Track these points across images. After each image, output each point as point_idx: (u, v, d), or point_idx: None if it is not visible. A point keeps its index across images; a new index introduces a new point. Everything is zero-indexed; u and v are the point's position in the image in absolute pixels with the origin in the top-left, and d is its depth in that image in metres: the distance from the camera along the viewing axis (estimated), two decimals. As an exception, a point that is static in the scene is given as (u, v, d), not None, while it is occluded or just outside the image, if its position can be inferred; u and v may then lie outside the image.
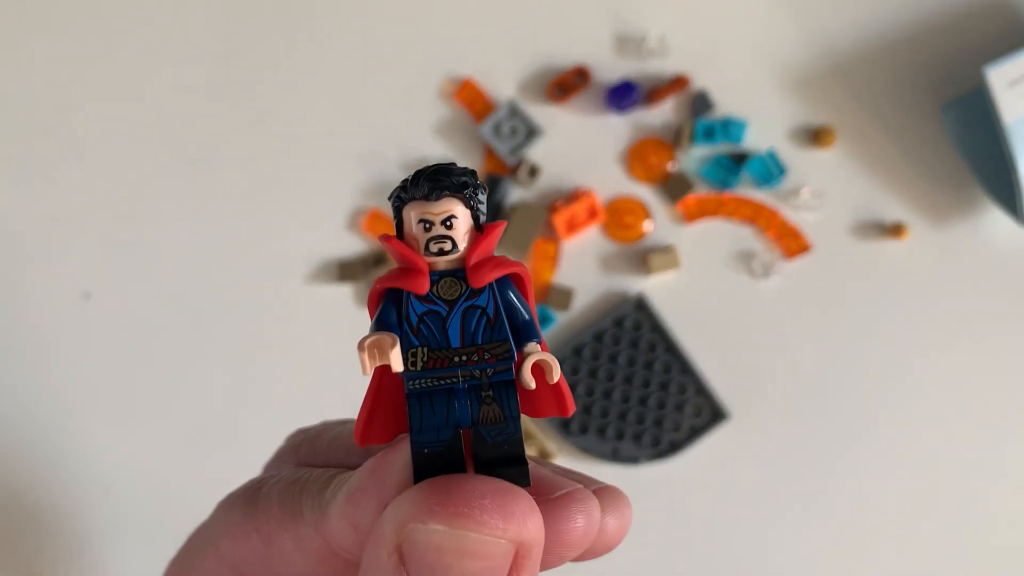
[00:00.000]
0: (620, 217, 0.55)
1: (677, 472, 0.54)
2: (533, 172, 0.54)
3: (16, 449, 0.55)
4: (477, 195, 0.20)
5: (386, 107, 0.56)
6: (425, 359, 0.20)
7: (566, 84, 0.55)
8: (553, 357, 0.20)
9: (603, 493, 0.22)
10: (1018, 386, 0.54)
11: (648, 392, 0.53)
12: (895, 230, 0.54)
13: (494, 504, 0.18)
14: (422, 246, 0.20)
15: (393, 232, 0.21)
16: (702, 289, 0.54)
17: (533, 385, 0.20)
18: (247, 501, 0.24)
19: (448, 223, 0.20)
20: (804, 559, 0.54)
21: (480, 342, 0.20)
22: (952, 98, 0.54)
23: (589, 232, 0.55)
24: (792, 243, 0.54)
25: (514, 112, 0.54)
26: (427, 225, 0.20)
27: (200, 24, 0.57)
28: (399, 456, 0.20)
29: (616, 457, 0.53)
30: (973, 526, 0.54)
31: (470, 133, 0.55)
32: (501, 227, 0.20)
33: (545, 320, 0.54)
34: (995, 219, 0.54)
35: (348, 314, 0.55)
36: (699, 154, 0.55)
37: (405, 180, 0.20)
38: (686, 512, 0.54)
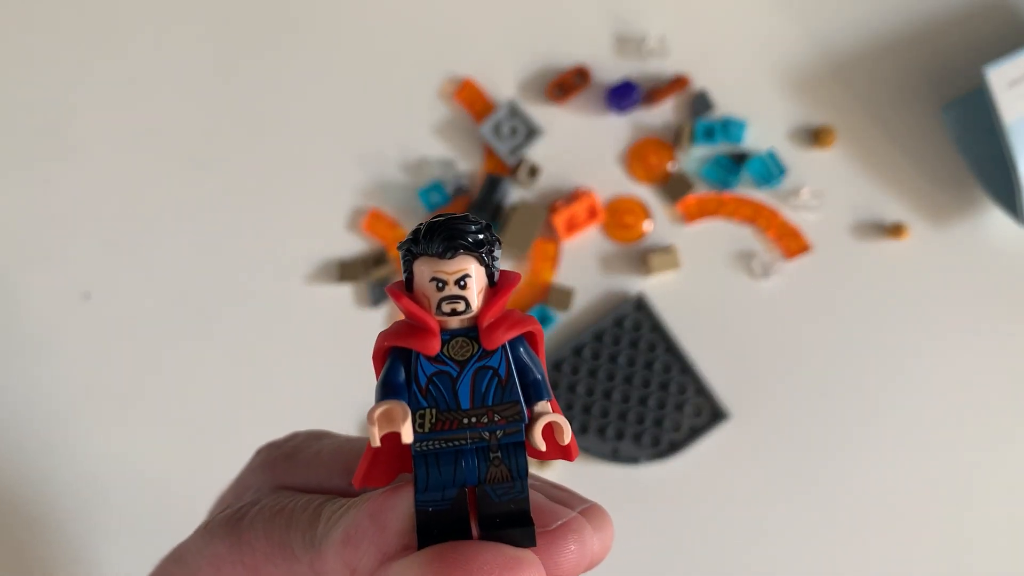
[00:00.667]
0: (620, 217, 0.55)
1: (677, 472, 0.54)
2: (533, 172, 0.54)
3: (16, 449, 0.55)
4: (492, 252, 0.19)
5: (386, 107, 0.56)
6: (433, 421, 0.20)
7: (566, 84, 0.55)
8: (564, 419, 0.19)
9: (588, 513, 0.21)
10: (1018, 386, 0.54)
11: (648, 392, 0.53)
12: (895, 230, 0.54)
13: None
14: (434, 305, 0.19)
15: (400, 278, 0.20)
16: (702, 289, 0.54)
17: (544, 447, 0.19)
18: (229, 531, 0.23)
19: (462, 283, 0.19)
20: (804, 558, 0.54)
21: (491, 403, 0.19)
22: (952, 98, 0.54)
23: (589, 232, 0.55)
24: (792, 243, 0.54)
25: (514, 112, 0.54)
26: (440, 284, 0.19)
27: (201, 25, 0.57)
28: (400, 503, 0.20)
29: (616, 457, 0.53)
30: (973, 525, 0.54)
31: (470, 133, 0.55)
32: (515, 283, 0.20)
33: (545, 320, 0.54)
34: (995, 219, 0.54)
35: (348, 314, 0.55)
36: (699, 154, 0.55)
37: (417, 230, 0.19)
38: (686, 512, 0.54)
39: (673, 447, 0.53)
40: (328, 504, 0.21)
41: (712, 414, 0.53)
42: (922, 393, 0.54)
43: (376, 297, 0.54)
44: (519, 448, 0.20)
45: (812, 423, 0.54)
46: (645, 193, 0.55)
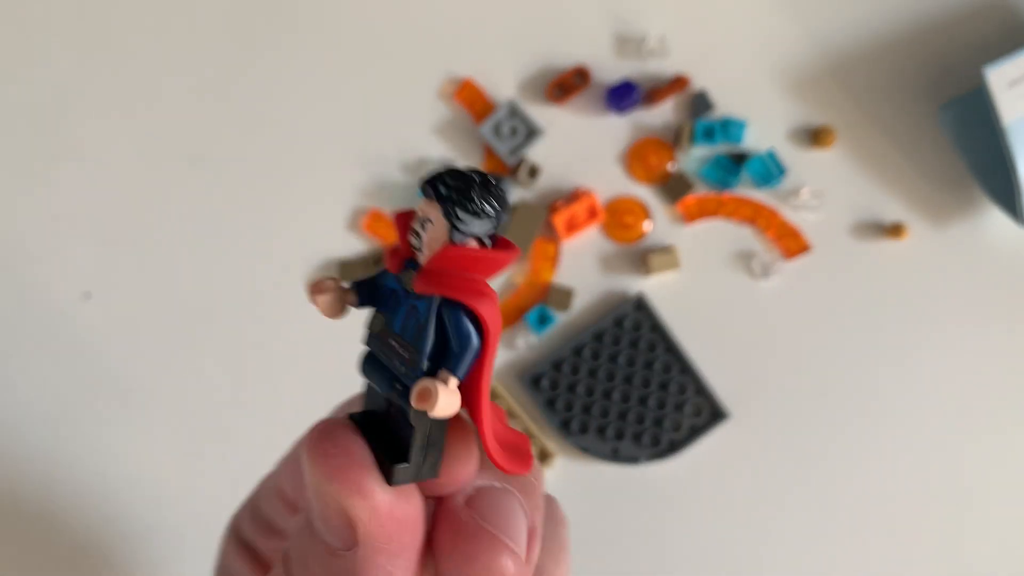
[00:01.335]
0: (620, 217, 0.55)
1: (677, 472, 0.54)
2: (533, 172, 0.54)
3: (16, 449, 0.55)
4: (457, 212, 0.19)
5: (386, 107, 0.56)
6: (379, 328, 0.21)
7: (566, 84, 0.55)
8: (446, 390, 0.19)
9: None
10: (1018, 386, 0.54)
11: (648, 392, 0.54)
12: (894, 230, 0.54)
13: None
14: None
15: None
16: (702, 289, 0.54)
17: (416, 405, 0.19)
18: None
19: (423, 225, 0.20)
20: (804, 558, 0.54)
21: (409, 340, 0.20)
22: (951, 98, 0.54)
23: (589, 232, 0.55)
24: (792, 243, 0.54)
25: (514, 112, 0.54)
26: (415, 218, 0.20)
27: (201, 25, 0.57)
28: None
29: (616, 457, 0.53)
30: (973, 525, 0.54)
31: (470, 133, 0.55)
32: (480, 255, 0.20)
33: (545, 320, 0.54)
34: (994, 219, 0.54)
35: (349, 314, 0.55)
36: (699, 154, 0.55)
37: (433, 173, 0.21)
38: (686, 511, 0.54)
39: (673, 447, 0.54)
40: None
41: (712, 414, 0.54)
42: (921, 393, 0.54)
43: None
44: (406, 392, 0.20)
45: (811, 423, 0.54)
46: (645, 193, 0.55)
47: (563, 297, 0.54)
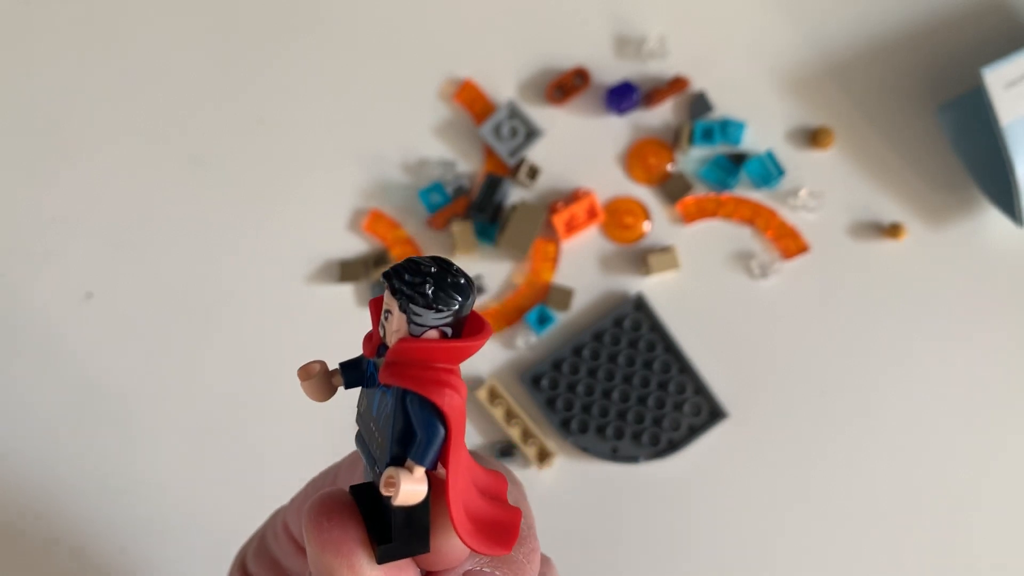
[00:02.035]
0: (619, 217, 0.55)
1: (676, 471, 0.54)
2: (533, 173, 0.54)
3: (17, 449, 0.55)
4: (411, 307, 0.19)
5: (386, 108, 0.56)
6: (363, 408, 0.22)
7: (566, 85, 0.55)
8: (410, 478, 0.19)
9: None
10: (1016, 386, 0.54)
11: (647, 391, 0.54)
12: (893, 230, 0.54)
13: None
14: None
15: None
16: (701, 289, 0.55)
17: (383, 491, 0.19)
18: None
19: (386, 316, 0.20)
20: (803, 557, 0.54)
21: (381, 425, 0.21)
22: (949, 99, 0.54)
23: (589, 232, 0.55)
24: (790, 243, 0.54)
25: (514, 113, 0.55)
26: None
27: (201, 25, 0.57)
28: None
29: (616, 456, 0.54)
30: (970, 524, 0.54)
31: (470, 134, 0.56)
32: (436, 346, 0.20)
33: (545, 320, 0.54)
34: (992, 219, 0.55)
35: (349, 314, 0.55)
36: (698, 155, 0.55)
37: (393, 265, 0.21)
38: (685, 510, 0.54)
39: (672, 446, 0.54)
40: None
41: (711, 413, 0.54)
42: (919, 392, 0.54)
43: (377, 297, 0.55)
44: (376, 469, 0.21)
45: (810, 422, 0.54)
46: (644, 194, 0.55)
47: (563, 297, 0.54)
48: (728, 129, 0.54)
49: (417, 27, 0.56)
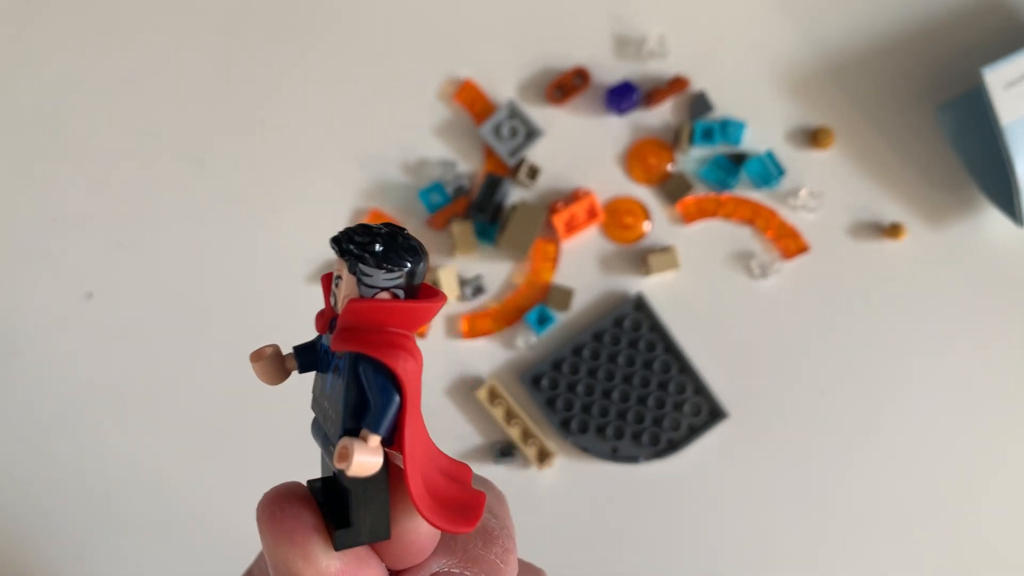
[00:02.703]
0: (619, 218, 0.55)
1: (676, 470, 0.54)
2: (533, 173, 0.54)
3: (17, 448, 0.55)
4: (360, 266, 0.19)
5: (386, 108, 0.56)
6: (318, 391, 0.21)
7: (566, 85, 0.55)
8: (363, 448, 0.18)
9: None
10: (1016, 385, 0.54)
11: (647, 391, 0.54)
12: (893, 230, 0.54)
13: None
14: None
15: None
16: (701, 289, 0.55)
17: (337, 465, 0.19)
18: None
19: (336, 283, 0.20)
20: (802, 556, 0.54)
21: (335, 400, 0.20)
22: (949, 99, 0.54)
23: (589, 232, 0.55)
24: (790, 243, 0.54)
25: (514, 113, 0.55)
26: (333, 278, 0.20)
27: (202, 26, 0.57)
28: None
29: (616, 456, 0.54)
30: (970, 524, 0.54)
31: (470, 134, 0.56)
32: (388, 306, 0.19)
33: (545, 320, 0.54)
34: (992, 219, 0.55)
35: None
36: (698, 155, 0.55)
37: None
38: (685, 510, 0.54)
39: (672, 446, 0.54)
40: None
41: (710, 413, 0.54)
42: (919, 392, 0.54)
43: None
44: (331, 450, 0.20)
45: (809, 422, 0.54)
46: (644, 194, 0.55)
47: (563, 297, 0.54)
48: (728, 129, 0.54)
49: (417, 27, 0.56)
